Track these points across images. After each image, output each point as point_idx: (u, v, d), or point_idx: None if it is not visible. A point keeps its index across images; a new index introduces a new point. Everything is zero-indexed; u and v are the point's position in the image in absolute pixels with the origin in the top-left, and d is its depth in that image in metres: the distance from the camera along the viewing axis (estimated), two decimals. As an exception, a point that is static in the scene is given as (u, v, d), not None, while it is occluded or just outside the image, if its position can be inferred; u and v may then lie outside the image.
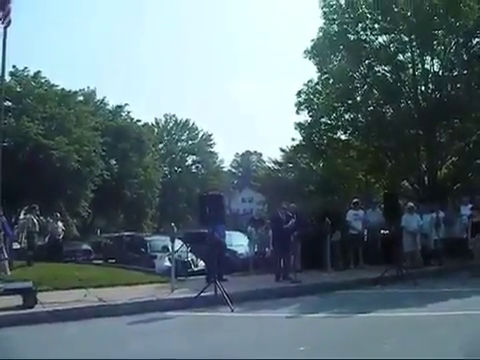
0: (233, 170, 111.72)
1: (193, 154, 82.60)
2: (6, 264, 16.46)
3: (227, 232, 18.31)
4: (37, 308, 11.05)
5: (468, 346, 7.78)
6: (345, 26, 26.54)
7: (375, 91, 26.89)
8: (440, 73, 25.81)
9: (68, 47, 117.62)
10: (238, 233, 24.32)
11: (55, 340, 9.33)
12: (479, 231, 18.01)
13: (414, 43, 25.76)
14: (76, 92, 49.17)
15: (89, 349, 8.67)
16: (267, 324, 10.96)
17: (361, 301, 13.14)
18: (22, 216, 24.63)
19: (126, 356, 8.13)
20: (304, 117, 28.67)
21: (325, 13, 27.27)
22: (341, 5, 26.88)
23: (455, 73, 25.73)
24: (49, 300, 11.38)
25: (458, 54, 25.28)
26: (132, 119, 58.03)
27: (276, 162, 60.28)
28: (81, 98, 51.50)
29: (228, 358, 7.89)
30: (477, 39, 25.08)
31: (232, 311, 11.71)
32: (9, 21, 17.81)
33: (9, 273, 16.11)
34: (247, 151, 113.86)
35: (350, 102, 27.10)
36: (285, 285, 15.21)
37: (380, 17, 25.91)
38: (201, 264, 19.80)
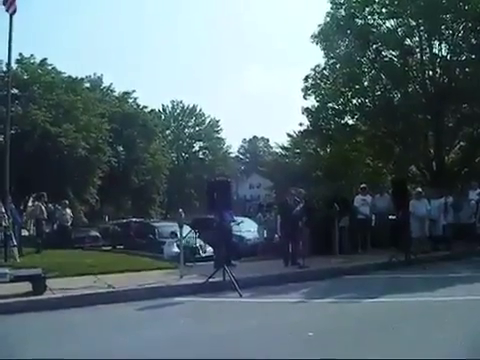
0: (240, 156, 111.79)
1: (200, 140, 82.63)
2: (15, 251, 16.55)
3: (235, 218, 18.37)
4: (46, 295, 11.10)
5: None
6: (352, 10, 26.35)
7: (383, 76, 26.73)
8: (448, 58, 25.63)
9: (74, 34, 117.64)
10: (246, 219, 24.35)
11: (65, 326, 9.37)
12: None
13: (422, 27, 25.56)
14: (83, 79, 49.19)
15: (98, 335, 8.72)
16: (275, 309, 11.00)
17: (369, 286, 13.15)
18: (30, 203, 24.72)
19: (135, 342, 8.17)
20: (311, 102, 28.68)
21: (332, -3, 27.14)
22: (348, -11, 26.73)
23: (463, 57, 25.52)
24: (58, 287, 11.44)
25: (466, 38, 25.06)
26: (139, 105, 58.06)
27: (283, 147, 60.33)
28: (88, 85, 51.56)
29: (237, 343, 7.92)
30: (486, 23, 24.86)
31: (240, 296, 11.74)
32: (15, 9, 17.91)
33: (18, 260, 16.20)
34: (254, 137, 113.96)
35: (357, 87, 26.99)
36: (293, 270, 15.23)
37: (387, 1, 25.73)
38: (209, 250, 19.84)
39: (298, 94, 28.67)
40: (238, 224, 21.41)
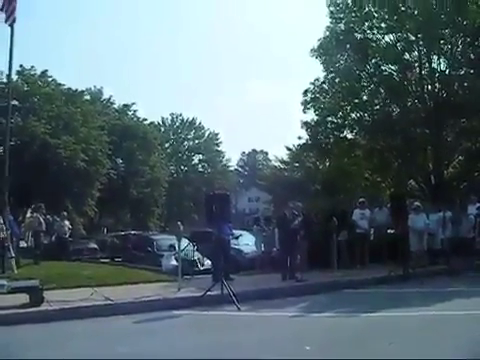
0: (239, 169, 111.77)
1: (199, 153, 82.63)
2: (13, 262, 16.53)
3: (234, 231, 18.38)
4: (44, 306, 11.08)
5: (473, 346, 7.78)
6: (352, 25, 26.51)
7: (381, 90, 26.83)
8: (447, 72, 25.74)
9: (75, 46, 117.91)
10: (245, 232, 24.32)
11: (61, 338, 9.34)
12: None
13: (421, 42, 25.69)
14: (83, 91, 49.31)
15: (95, 348, 8.69)
16: (273, 323, 10.98)
17: (367, 300, 13.14)
18: (29, 215, 24.70)
19: (132, 355, 8.15)
20: (310, 116, 28.68)
21: (332, 12, 27.27)
22: (348, 4, 26.85)
23: (462, 72, 25.64)
24: (56, 298, 11.40)
25: (465, 53, 25.19)
26: (138, 118, 58.14)
27: (282, 161, 60.35)
28: (88, 97, 51.66)
29: (234, 357, 7.89)
30: (484, 38, 24.96)
31: (239, 310, 11.73)
32: (14, 19, 17.99)
33: (16, 271, 16.18)
34: (253, 150, 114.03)
35: (356, 101, 27.07)
36: (291, 284, 15.21)
37: (387, 16, 25.84)
38: (207, 263, 19.81)
39: (297, 108, 28.75)
40: (237, 238, 21.41)
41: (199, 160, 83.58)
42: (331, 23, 27.31)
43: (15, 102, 36.58)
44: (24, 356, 8.00)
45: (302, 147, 32.76)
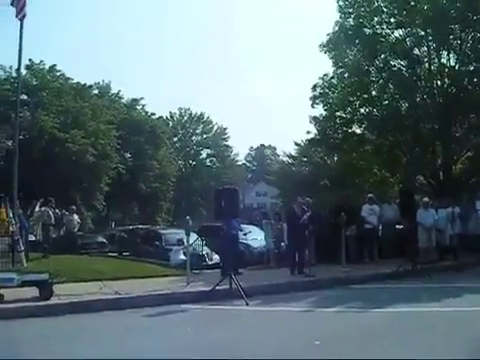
0: (247, 164, 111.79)
1: (207, 148, 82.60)
2: (22, 256, 16.59)
3: (242, 226, 18.40)
4: (53, 300, 11.14)
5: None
6: (361, 20, 26.40)
7: (391, 85, 26.70)
8: (456, 67, 25.61)
9: (84, 41, 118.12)
10: (253, 227, 24.32)
11: (71, 332, 9.39)
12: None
13: (430, 37, 25.57)
14: (91, 86, 49.38)
15: (104, 341, 8.74)
16: (282, 318, 10.99)
17: (375, 296, 13.14)
18: (38, 209, 24.71)
19: (141, 349, 8.18)
20: (319, 111, 28.67)
21: (341, 7, 27.18)
22: (357, -1, 26.80)
23: (471, 68, 25.49)
24: (65, 292, 11.47)
25: (475, 48, 25.03)
26: (147, 113, 58.14)
27: (290, 156, 60.30)
28: (96, 91, 51.72)
29: (242, 352, 7.92)
30: (494, 34, 24.83)
31: (247, 304, 11.75)
32: (24, 14, 18.09)
33: (25, 265, 16.24)
34: (261, 145, 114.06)
35: (365, 96, 26.98)
36: (300, 279, 15.22)
37: (396, 11, 25.75)
38: (216, 257, 19.86)
39: (306, 103, 28.71)
40: (245, 234, 21.46)
41: (207, 154, 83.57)
42: (340, 18, 27.24)
43: (24, 96, 36.67)
44: (33, 350, 8.05)
45: (310, 142, 32.71)
